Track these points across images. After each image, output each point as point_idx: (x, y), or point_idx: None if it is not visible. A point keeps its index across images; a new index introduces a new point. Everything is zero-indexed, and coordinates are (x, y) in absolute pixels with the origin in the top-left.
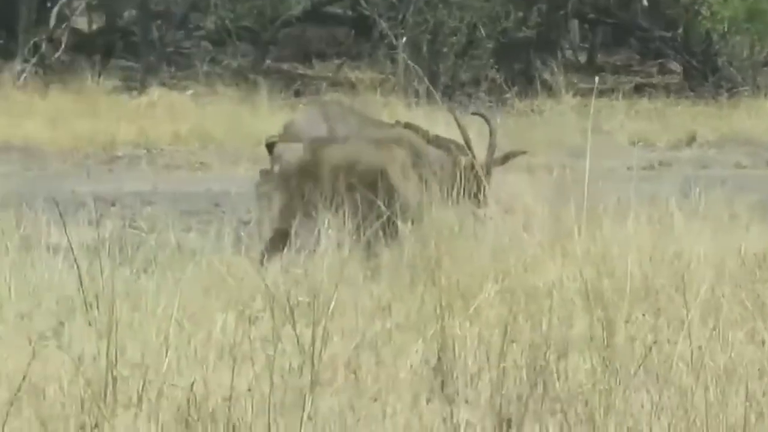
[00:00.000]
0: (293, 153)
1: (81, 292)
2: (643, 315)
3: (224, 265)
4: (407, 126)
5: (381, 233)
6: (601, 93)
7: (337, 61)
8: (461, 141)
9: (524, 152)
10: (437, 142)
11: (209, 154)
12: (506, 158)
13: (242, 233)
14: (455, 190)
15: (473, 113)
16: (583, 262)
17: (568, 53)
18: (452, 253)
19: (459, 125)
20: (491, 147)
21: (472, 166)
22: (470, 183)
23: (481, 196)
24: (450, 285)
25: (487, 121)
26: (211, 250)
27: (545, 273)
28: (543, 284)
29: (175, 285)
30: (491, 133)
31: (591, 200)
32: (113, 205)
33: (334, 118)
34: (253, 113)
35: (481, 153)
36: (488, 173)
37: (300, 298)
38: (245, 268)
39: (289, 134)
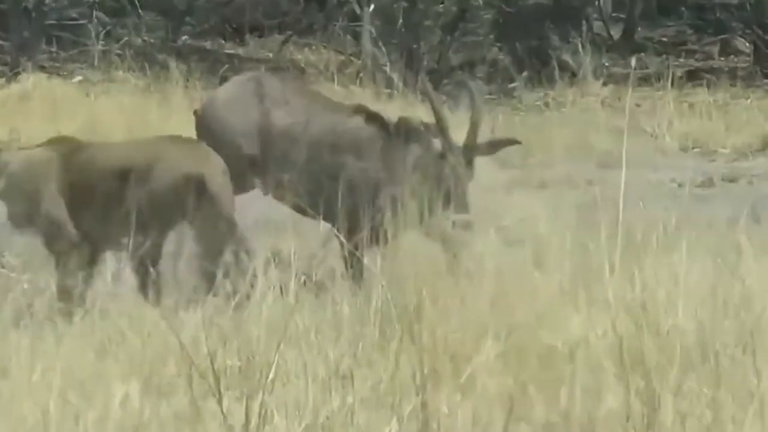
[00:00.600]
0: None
1: None
2: (698, 385)
3: (125, 317)
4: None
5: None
6: (642, 80)
7: (279, 37)
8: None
9: (518, 142)
10: (405, 126)
11: None
12: (494, 146)
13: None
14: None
15: (454, 82)
16: (616, 312)
17: (597, 26)
18: (437, 297)
19: (433, 103)
20: (473, 126)
21: (442, 155)
22: (444, 180)
23: (458, 198)
24: (435, 343)
25: (468, 91)
26: (107, 295)
27: (565, 327)
28: (562, 343)
29: (57, 343)
30: (474, 109)
31: (627, 227)
32: None
33: (270, 97)
34: (164, 107)
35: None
36: (469, 163)
37: (229, 362)
38: (153, 319)
39: (206, 118)
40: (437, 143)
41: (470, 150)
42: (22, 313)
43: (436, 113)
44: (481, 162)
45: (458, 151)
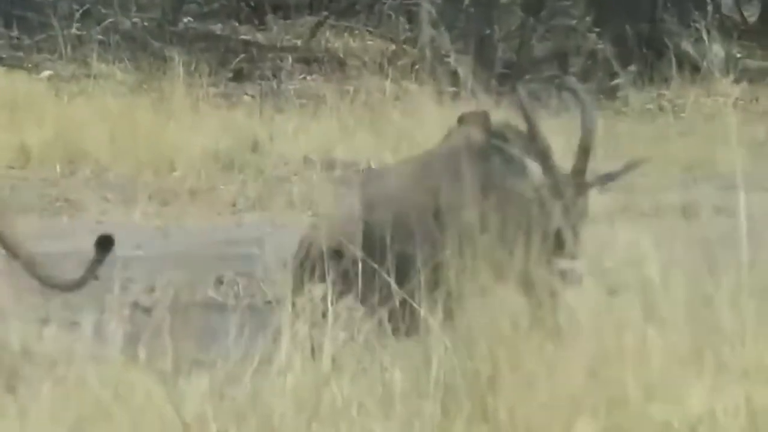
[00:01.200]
0: None
1: None
2: None
3: (108, 386)
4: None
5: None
6: None
7: (311, 19)
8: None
9: (646, 161)
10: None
11: (81, 185)
12: (613, 176)
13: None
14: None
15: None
16: (753, 382)
17: (726, 6)
18: (517, 364)
19: (526, 114)
20: (584, 146)
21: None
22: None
23: (568, 241)
24: (514, 422)
25: (576, 95)
26: (85, 355)
27: (684, 400)
28: (679, 420)
29: (20, 420)
30: (584, 121)
31: (764, 269)
32: None
33: None
34: (160, 110)
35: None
36: (580, 195)
37: None
38: (147, 387)
39: None
40: (531, 164)
41: (580, 176)
42: None
43: (532, 128)
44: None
45: (564, 178)
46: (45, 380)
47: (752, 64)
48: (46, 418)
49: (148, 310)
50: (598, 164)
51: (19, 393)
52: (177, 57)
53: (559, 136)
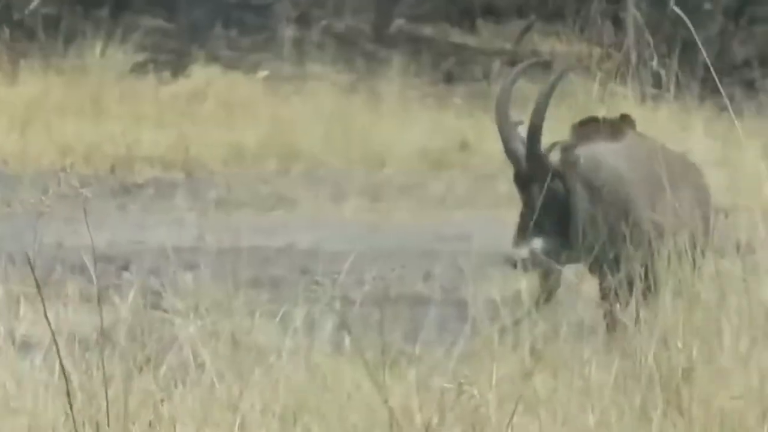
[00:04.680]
0: None
1: (70, 418)
2: None
3: (317, 376)
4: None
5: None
6: None
7: (520, 23)
8: None
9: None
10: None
11: (295, 183)
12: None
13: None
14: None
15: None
16: None
17: None
18: (713, 356)
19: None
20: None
21: None
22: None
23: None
24: (708, 415)
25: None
26: (295, 347)
27: None
28: None
29: (231, 407)
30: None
31: None
32: (126, 269)
33: None
34: (373, 110)
35: None
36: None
37: None
38: (354, 378)
39: None
40: None
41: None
42: (188, 369)
43: (537, 109)
44: None
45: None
46: (255, 371)
47: None
48: (257, 408)
49: (357, 304)
50: None
51: (230, 381)
52: (389, 59)
53: (757, 136)
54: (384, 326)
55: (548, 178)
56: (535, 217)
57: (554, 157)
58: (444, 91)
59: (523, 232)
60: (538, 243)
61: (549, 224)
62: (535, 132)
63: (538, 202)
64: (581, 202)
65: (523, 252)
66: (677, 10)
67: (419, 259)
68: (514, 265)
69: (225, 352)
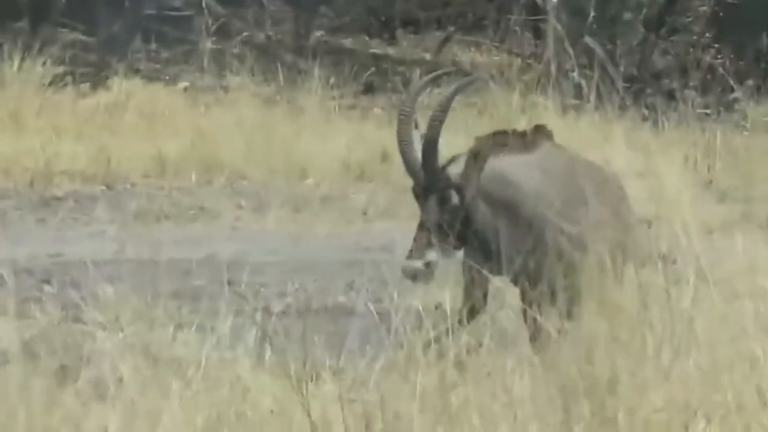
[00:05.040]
0: None
1: None
2: None
3: (238, 388)
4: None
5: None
6: None
7: (439, 34)
8: None
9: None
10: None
11: (216, 194)
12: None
13: (266, 328)
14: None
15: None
16: None
17: None
18: (636, 368)
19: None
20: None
21: None
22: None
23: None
24: (632, 425)
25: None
26: (216, 359)
27: None
28: None
29: (152, 423)
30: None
31: None
32: (47, 282)
33: None
34: (293, 121)
35: None
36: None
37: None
38: (276, 391)
39: None
40: None
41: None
42: (109, 384)
43: (435, 116)
44: (693, 195)
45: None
46: (176, 384)
47: None
48: (178, 420)
49: (279, 315)
50: (717, 176)
51: (150, 395)
52: (309, 70)
53: (677, 146)
54: (306, 338)
55: (445, 191)
56: (431, 230)
57: (455, 169)
58: (364, 101)
59: (419, 245)
60: (432, 256)
61: (444, 237)
62: (430, 144)
63: (435, 215)
64: (481, 215)
65: (418, 264)
66: (588, 41)
67: (342, 269)
68: (412, 278)
69: (145, 365)
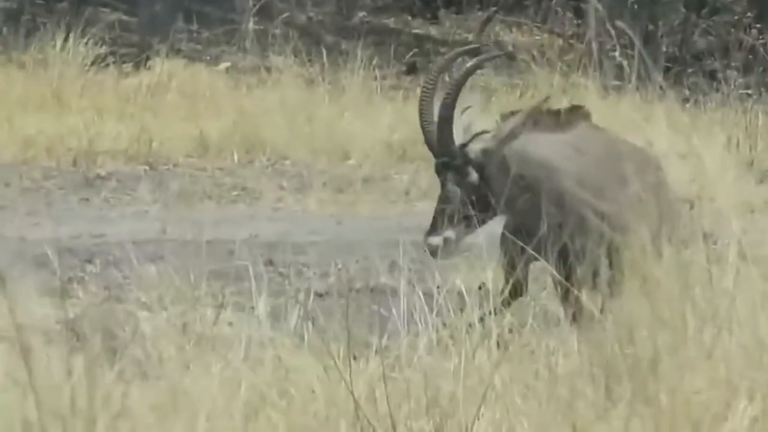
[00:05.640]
0: None
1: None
2: None
3: (281, 368)
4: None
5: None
6: None
7: (481, 14)
8: None
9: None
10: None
11: (258, 175)
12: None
13: (309, 308)
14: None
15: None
16: None
17: None
18: (678, 348)
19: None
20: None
21: None
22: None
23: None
24: (674, 405)
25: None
26: (260, 339)
27: None
28: None
29: (191, 402)
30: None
31: None
32: (89, 261)
33: None
34: (335, 102)
35: None
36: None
37: (415, 425)
38: (319, 370)
39: None
40: None
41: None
42: (151, 364)
43: (448, 95)
44: (735, 176)
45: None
46: (218, 363)
47: None
48: (218, 400)
49: (322, 295)
50: (759, 156)
51: (192, 375)
52: (352, 50)
53: (719, 127)
54: (349, 318)
55: (463, 168)
56: (450, 207)
57: (477, 146)
58: (407, 82)
59: (437, 221)
60: (450, 233)
61: (464, 214)
62: (443, 120)
63: (454, 192)
64: (501, 192)
65: (436, 240)
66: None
67: (384, 250)
68: (432, 254)
69: (188, 345)
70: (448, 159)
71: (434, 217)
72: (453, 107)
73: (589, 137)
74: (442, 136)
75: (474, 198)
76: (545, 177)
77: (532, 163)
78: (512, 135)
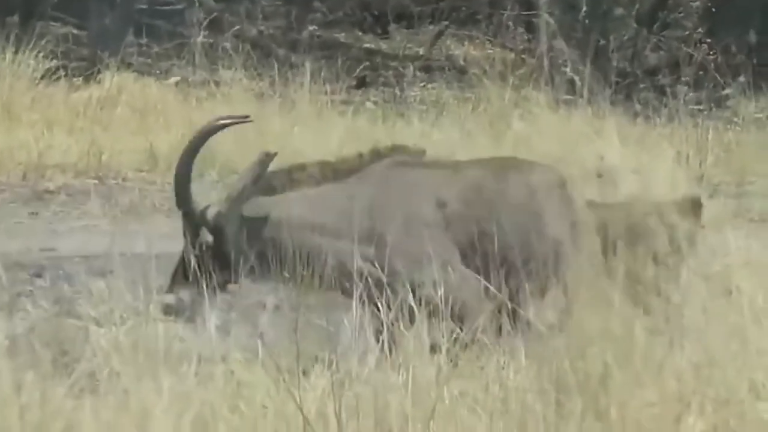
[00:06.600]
0: None
1: None
2: None
3: (231, 383)
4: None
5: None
6: None
7: (433, 28)
8: None
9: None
10: None
11: (208, 188)
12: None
13: (259, 323)
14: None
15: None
16: None
17: None
18: (628, 363)
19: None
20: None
21: None
22: None
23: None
24: (624, 419)
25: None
26: (212, 356)
27: None
28: None
29: (142, 417)
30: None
31: None
32: (39, 276)
33: None
34: (286, 116)
35: None
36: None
37: None
38: (269, 385)
39: None
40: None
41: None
42: (102, 377)
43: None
44: (685, 191)
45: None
46: (169, 377)
47: None
48: (168, 417)
49: (272, 310)
50: (709, 171)
51: (143, 389)
52: (302, 64)
53: (669, 141)
54: (299, 332)
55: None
56: (185, 266)
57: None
58: (357, 96)
59: (174, 278)
60: (185, 293)
61: (198, 273)
62: (177, 179)
63: (188, 252)
64: (239, 252)
65: (168, 299)
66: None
67: None
68: (166, 313)
69: (138, 360)
70: (187, 218)
71: (172, 274)
72: (186, 168)
73: (356, 186)
74: (177, 195)
75: (213, 259)
76: (283, 236)
77: (269, 225)
78: (241, 197)
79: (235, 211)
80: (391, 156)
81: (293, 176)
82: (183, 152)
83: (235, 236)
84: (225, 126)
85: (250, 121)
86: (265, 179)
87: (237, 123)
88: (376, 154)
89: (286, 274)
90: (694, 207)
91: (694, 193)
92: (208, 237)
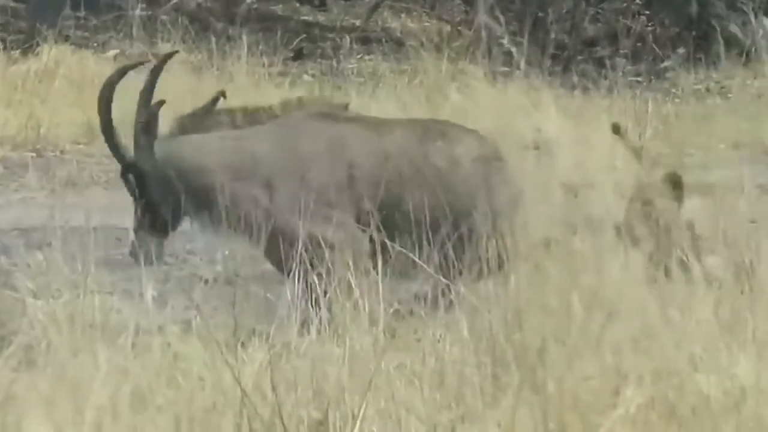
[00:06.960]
0: None
1: None
2: None
3: (169, 355)
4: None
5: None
6: None
7: (369, 0)
8: None
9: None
10: None
11: None
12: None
13: (196, 295)
14: None
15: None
16: None
17: None
18: (565, 336)
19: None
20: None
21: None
22: None
23: None
24: (562, 393)
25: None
26: (146, 326)
27: (727, 372)
28: (724, 392)
29: (80, 390)
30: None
31: None
32: None
33: None
34: (226, 88)
35: None
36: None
37: (302, 414)
38: (206, 358)
39: None
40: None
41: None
42: (40, 351)
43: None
44: (623, 163)
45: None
46: (106, 350)
47: None
48: (107, 388)
49: (210, 282)
50: (648, 143)
51: (81, 362)
52: (239, 37)
53: (608, 114)
54: (236, 305)
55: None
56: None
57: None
58: (294, 68)
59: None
60: (141, 237)
61: (150, 217)
62: (104, 133)
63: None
64: (161, 194)
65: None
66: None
67: None
68: (136, 260)
69: (76, 332)
70: (124, 168)
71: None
72: (107, 115)
73: (271, 131)
74: (107, 143)
75: (147, 200)
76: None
77: (186, 162)
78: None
79: (147, 152)
80: (314, 106)
81: (216, 118)
82: (97, 102)
83: (156, 178)
84: (128, 69)
85: (148, 61)
86: (184, 120)
87: (138, 65)
88: (299, 103)
89: (211, 220)
90: (675, 184)
91: (672, 171)
92: (131, 178)
